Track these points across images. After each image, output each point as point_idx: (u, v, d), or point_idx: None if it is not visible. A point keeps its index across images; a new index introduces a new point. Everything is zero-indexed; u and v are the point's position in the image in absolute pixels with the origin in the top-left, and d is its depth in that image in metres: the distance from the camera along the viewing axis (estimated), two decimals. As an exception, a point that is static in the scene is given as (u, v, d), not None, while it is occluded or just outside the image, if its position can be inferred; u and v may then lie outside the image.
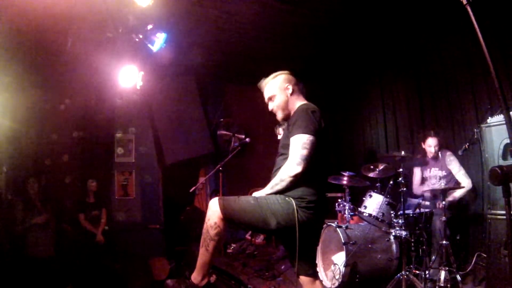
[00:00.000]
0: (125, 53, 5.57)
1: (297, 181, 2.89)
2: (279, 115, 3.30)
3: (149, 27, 5.07)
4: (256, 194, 3.04)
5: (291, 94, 3.26)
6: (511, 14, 5.00)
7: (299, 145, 2.85)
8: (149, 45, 5.18)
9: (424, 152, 5.77)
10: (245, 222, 2.97)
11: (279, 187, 2.93)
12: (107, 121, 7.13)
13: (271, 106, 3.31)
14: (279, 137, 6.93)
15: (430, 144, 5.63)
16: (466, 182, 5.33)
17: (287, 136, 3.01)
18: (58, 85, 6.24)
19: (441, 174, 5.55)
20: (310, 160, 2.85)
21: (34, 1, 4.54)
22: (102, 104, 6.87)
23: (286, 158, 2.95)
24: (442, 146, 5.73)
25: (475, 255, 4.89)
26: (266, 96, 3.33)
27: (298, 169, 2.84)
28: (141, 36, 5.08)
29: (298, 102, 3.24)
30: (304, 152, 2.83)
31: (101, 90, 6.61)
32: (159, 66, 6.70)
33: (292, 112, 3.20)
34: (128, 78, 5.90)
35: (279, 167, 3.00)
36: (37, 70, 5.80)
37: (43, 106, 6.05)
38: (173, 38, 5.54)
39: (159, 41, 5.20)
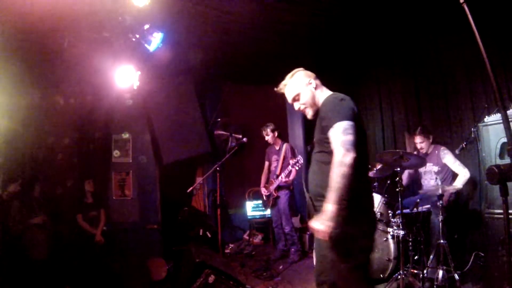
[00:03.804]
0: (122, 53, 5.56)
1: (355, 173, 2.59)
2: (310, 113, 3.13)
3: (146, 26, 5.06)
4: (328, 208, 2.57)
5: (316, 88, 3.11)
6: (508, 12, 5.01)
7: (341, 133, 2.66)
8: (146, 45, 5.17)
9: (418, 151, 5.79)
10: None
11: (342, 186, 2.54)
12: (105, 121, 7.10)
13: (298, 105, 3.17)
14: (267, 138, 6.96)
15: (416, 142, 5.66)
16: (463, 172, 5.29)
17: (321, 130, 2.87)
18: (55, 85, 6.22)
19: (435, 169, 5.55)
20: (358, 147, 2.67)
21: (31, 1, 4.52)
22: (100, 104, 6.85)
23: (325, 153, 2.82)
24: (436, 142, 5.74)
25: (473, 254, 4.90)
26: (290, 97, 3.18)
27: (350, 156, 2.59)
28: (138, 36, 5.07)
29: (324, 94, 3.11)
30: (349, 137, 2.64)
31: (98, 90, 6.59)
32: (156, 66, 6.69)
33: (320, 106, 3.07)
34: (125, 78, 5.89)
35: (319, 162, 2.91)
36: (35, 70, 5.77)
37: (41, 106, 6.02)
38: (170, 37, 5.53)
39: (156, 41, 5.19)
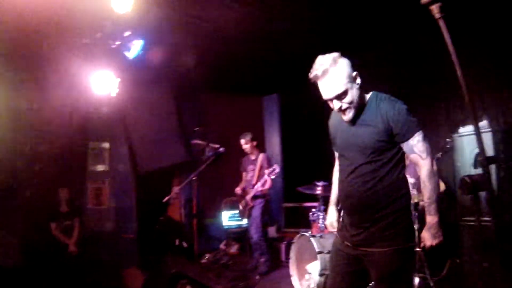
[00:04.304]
0: (102, 59, 5.52)
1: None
2: (350, 115, 2.60)
3: (126, 33, 5.05)
4: (433, 220, 2.65)
5: (360, 85, 2.60)
6: (482, 25, 5.20)
7: (424, 141, 2.52)
8: (126, 52, 5.15)
9: None
10: None
11: (438, 193, 2.61)
12: (82, 128, 7.01)
13: (339, 104, 2.56)
14: (245, 147, 6.92)
15: None
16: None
17: (386, 137, 2.53)
18: (32, 91, 6.14)
19: (412, 181, 5.62)
20: None
21: (10, 5, 4.47)
22: (77, 111, 6.77)
23: (386, 163, 2.56)
24: None
25: (449, 261, 4.98)
26: (334, 92, 2.52)
27: (435, 165, 2.58)
28: (118, 43, 5.05)
29: (367, 92, 2.69)
30: (429, 144, 2.55)
31: (76, 97, 6.50)
32: (136, 73, 6.66)
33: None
34: (103, 85, 5.85)
35: (375, 173, 2.56)
36: (12, 75, 5.69)
37: (17, 113, 5.94)
38: (150, 45, 5.53)
39: (135, 48, 5.18)
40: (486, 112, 5.21)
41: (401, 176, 2.61)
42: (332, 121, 2.96)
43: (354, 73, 2.55)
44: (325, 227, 5.74)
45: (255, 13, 5.75)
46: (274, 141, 9.36)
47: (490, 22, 5.24)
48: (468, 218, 4.37)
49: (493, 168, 4.31)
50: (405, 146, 2.55)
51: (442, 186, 5.37)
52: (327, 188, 5.90)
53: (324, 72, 2.48)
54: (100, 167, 7.20)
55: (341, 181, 2.81)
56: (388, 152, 2.56)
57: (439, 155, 5.29)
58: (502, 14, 5.09)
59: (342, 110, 2.59)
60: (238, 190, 7.09)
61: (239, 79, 8.64)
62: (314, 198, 6.28)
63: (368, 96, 2.67)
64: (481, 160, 2.05)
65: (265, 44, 6.93)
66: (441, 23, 2.11)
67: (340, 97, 2.52)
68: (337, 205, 3.12)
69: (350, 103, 2.54)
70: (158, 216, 7.43)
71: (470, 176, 2.12)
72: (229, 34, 6.38)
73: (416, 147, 2.52)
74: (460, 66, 2.11)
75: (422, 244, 2.63)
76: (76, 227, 6.39)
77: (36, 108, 6.22)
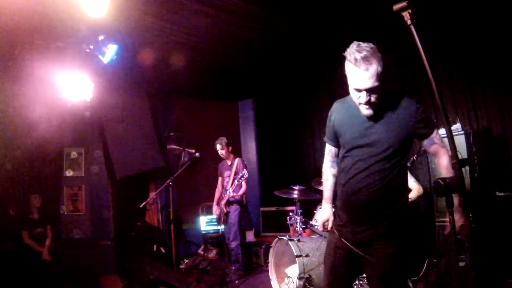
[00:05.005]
0: (76, 64, 5.45)
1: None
2: (373, 110, 2.58)
3: (101, 38, 5.00)
4: None
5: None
6: (455, 30, 5.31)
7: (439, 133, 2.68)
8: (100, 56, 5.10)
9: None
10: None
11: None
12: (56, 134, 6.88)
13: (366, 98, 2.50)
14: (221, 152, 6.88)
15: None
16: (417, 187, 5.43)
17: (398, 135, 2.58)
18: (5, 96, 6.01)
19: None
20: None
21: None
22: (51, 117, 6.65)
23: (399, 160, 2.62)
24: None
25: (426, 261, 5.05)
26: (368, 85, 2.46)
27: None
28: (92, 47, 5.00)
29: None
30: None
31: (50, 102, 6.38)
32: (110, 78, 6.59)
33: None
34: (78, 90, 5.77)
35: (388, 171, 2.59)
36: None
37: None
38: (124, 50, 5.48)
39: (110, 53, 5.13)
40: (458, 115, 5.32)
41: (405, 175, 2.71)
42: (339, 114, 2.91)
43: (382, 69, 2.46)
44: (303, 230, 5.80)
45: (229, 19, 5.76)
46: (250, 146, 9.37)
47: (464, 27, 5.35)
48: (444, 219, 4.45)
49: (467, 169, 4.40)
50: (426, 141, 2.67)
51: (421, 190, 5.45)
52: (304, 192, 5.94)
53: (365, 60, 2.41)
54: (76, 173, 7.10)
55: (348, 177, 2.73)
56: (401, 151, 2.62)
57: (414, 157, 5.38)
58: (474, 21, 5.21)
59: (368, 104, 2.52)
60: (215, 195, 7.05)
61: (214, 84, 8.65)
62: (291, 202, 6.29)
63: (385, 92, 2.58)
64: (454, 163, 2.08)
65: (240, 49, 6.95)
66: (412, 29, 2.10)
67: (371, 90, 2.47)
68: (333, 202, 3.14)
69: (378, 99, 2.51)
70: (135, 222, 7.35)
71: (443, 179, 2.15)
72: (203, 39, 6.38)
73: (436, 139, 2.65)
74: (432, 69, 2.12)
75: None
76: (48, 234, 6.26)
77: (10, 113, 6.09)
